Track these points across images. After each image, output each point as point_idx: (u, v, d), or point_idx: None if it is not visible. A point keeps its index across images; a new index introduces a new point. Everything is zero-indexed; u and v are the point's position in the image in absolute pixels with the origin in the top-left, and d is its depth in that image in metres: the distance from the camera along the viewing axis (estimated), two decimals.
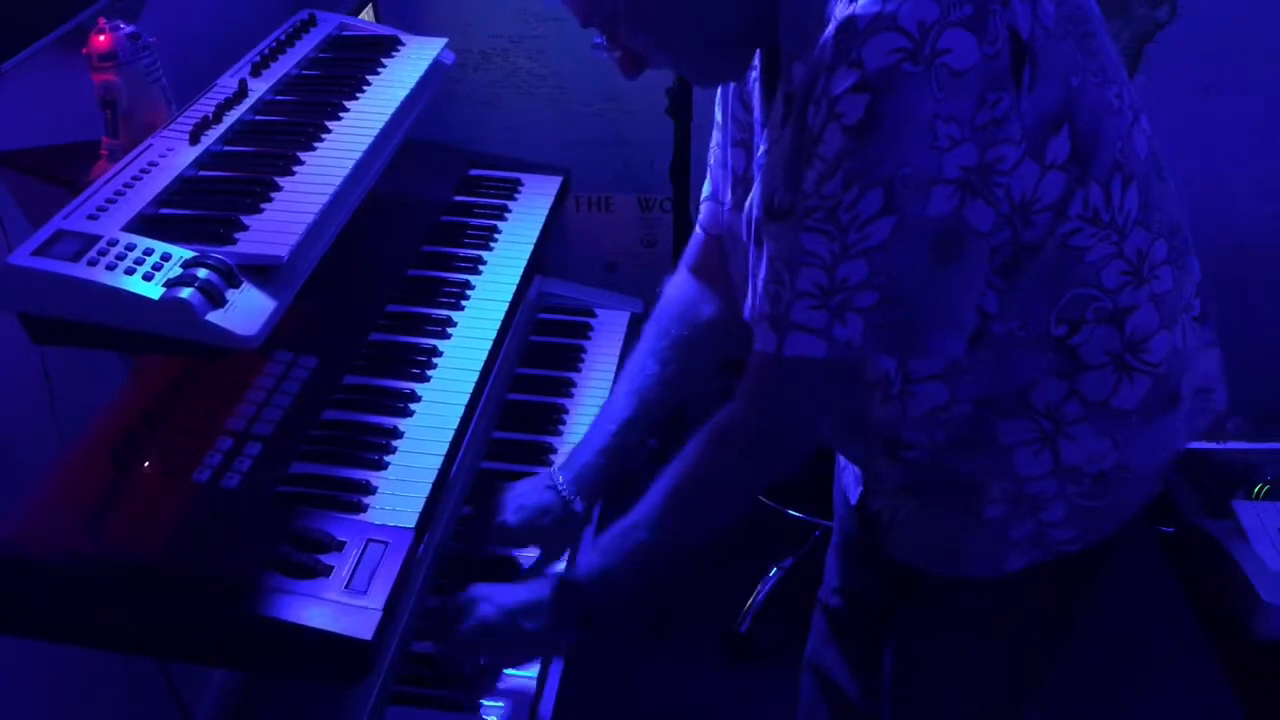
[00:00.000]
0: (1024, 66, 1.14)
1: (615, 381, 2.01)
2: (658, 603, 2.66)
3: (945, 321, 1.19)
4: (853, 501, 1.60)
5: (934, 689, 1.57)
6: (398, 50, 1.96)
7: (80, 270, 1.30)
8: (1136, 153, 1.27)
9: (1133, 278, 1.28)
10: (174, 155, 1.55)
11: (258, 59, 1.82)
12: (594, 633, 1.42)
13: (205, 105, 1.67)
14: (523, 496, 1.65)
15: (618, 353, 2.11)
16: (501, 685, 1.52)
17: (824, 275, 1.18)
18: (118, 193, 1.45)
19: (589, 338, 2.14)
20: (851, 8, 1.11)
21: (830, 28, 1.13)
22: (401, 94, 1.81)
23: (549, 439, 1.90)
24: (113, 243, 1.34)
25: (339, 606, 1.31)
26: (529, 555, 1.66)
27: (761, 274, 1.26)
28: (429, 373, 1.69)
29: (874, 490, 1.52)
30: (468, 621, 1.45)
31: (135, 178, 1.48)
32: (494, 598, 1.47)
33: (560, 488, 1.62)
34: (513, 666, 1.52)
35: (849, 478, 1.62)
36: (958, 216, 1.15)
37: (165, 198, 1.48)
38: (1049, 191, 1.20)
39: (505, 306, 1.84)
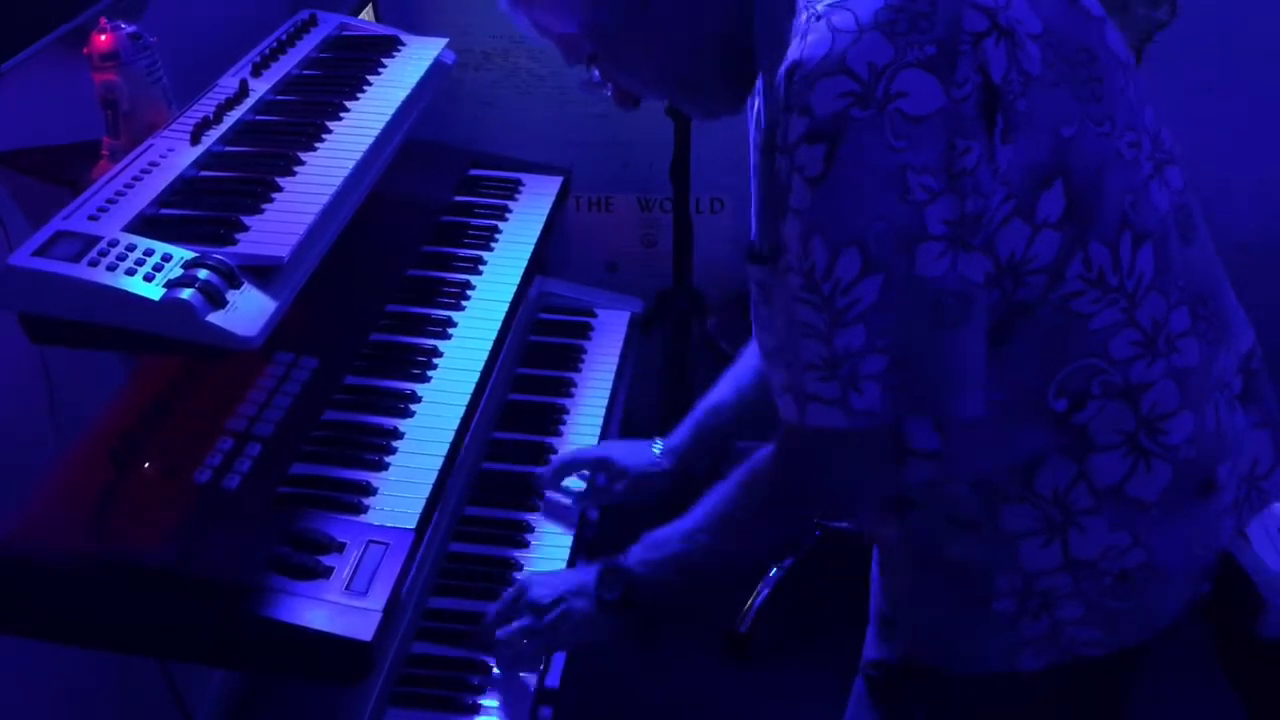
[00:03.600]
0: (996, 114, 1.05)
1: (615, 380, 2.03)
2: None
3: (963, 382, 1.10)
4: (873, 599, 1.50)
5: None
6: (398, 50, 1.96)
7: (81, 271, 1.30)
8: (1154, 208, 1.16)
9: (1146, 350, 1.15)
10: (175, 155, 1.55)
11: (258, 59, 1.82)
12: (641, 628, 1.42)
13: (206, 105, 1.67)
14: (619, 441, 1.83)
15: (618, 352, 2.11)
16: (501, 685, 1.52)
17: (823, 346, 1.10)
18: (118, 193, 1.45)
19: (589, 338, 2.14)
20: (801, 48, 1.05)
21: (782, 67, 1.07)
22: (402, 94, 1.81)
23: (549, 439, 1.90)
24: (113, 243, 1.34)
25: (339, 607, 1.31)
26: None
27: (764, 333, 1.22)
28: (429, 373, 1.69)
29: (886, 567, 1.41)
30: (521, 599, 1.48)
31: (136, 178, 1.48)
32: (545, 579, 1.51)
33: (655, 443, 1.71)
34: (560, 647, 1.52)
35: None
36: (956, 275, 1.06)
37: (166, 198, 1.48)
38: (1043, 252, 1.10)
39: (505, 307, 1.84)
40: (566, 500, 1.76)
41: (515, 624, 1.49)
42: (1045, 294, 1.11)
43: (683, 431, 1.71)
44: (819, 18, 1.06)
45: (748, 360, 1.66)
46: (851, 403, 1.10)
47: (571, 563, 1.70)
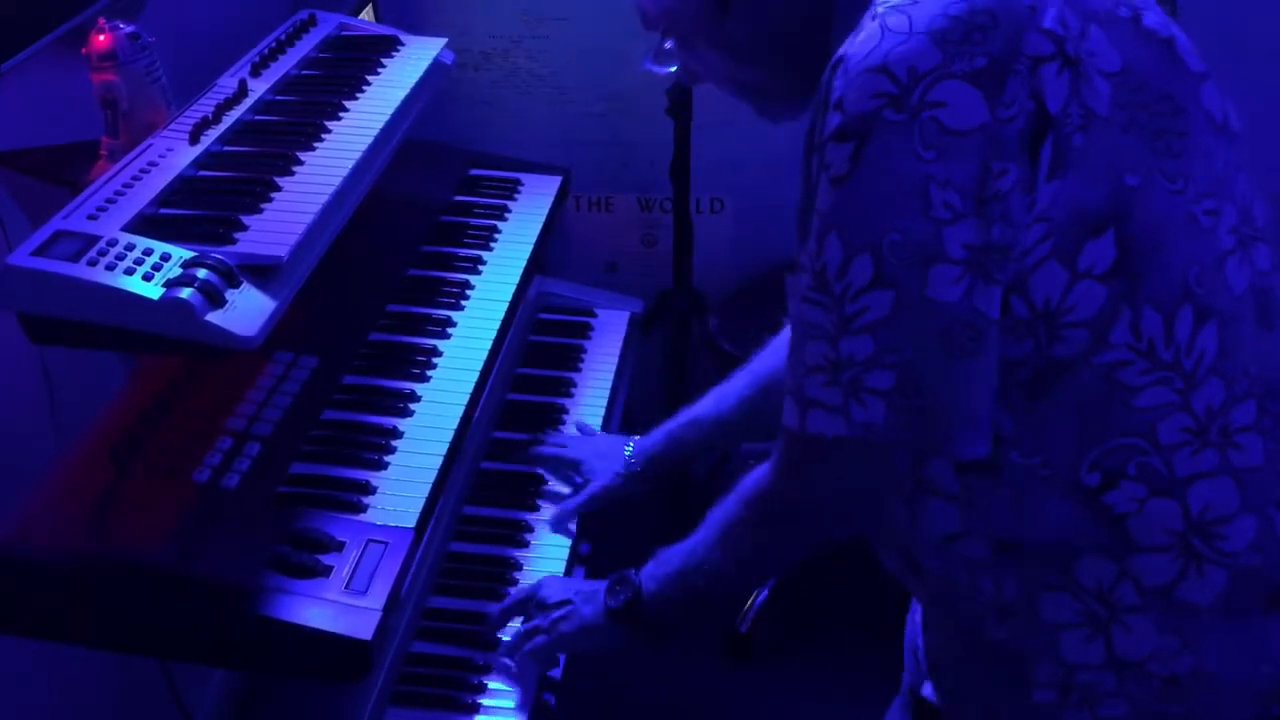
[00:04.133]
0: (1044, 143, 1.00)
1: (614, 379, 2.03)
2: None
3: (964, 419, 1.05)
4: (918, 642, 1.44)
5: None
6: (398, 50, 1.96)
7: (80, 270, 1.30)
8: (1227, 287, 1.08)
9: (1195, 438, 1.07)
10: (174, 155, 1.55)
11: (257, 59, 1.82)
12: (647, 640, 1.40)
13: (205, 105, 1.67)
14: (594, 437, 1.86)
15: (617, 352, 2.11)
16: (502, 685, 1.52)
17: (829, 349, 1.05)
18: (117, 193, 1.45)
19: (589, 338, 2.14)
20: (850, 44, 1.03)
21: (829, 65, 1.04)
22: (401, 94, 1.81)
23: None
24: (112, 243, 1.34)
25: (339, 606, 1.31)
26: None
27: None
28: (429, 373, 1.69)
29: (928, 625, 1.35)
30: (532, 598, 1.50)
31: (135, 178, 1.48)
32: (558, 581, 1.53)
33: (628, 445, 1.75)
34: (563, 649, 1.50)
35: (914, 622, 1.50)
36: (969, 305, 1.01)
37: (165, 198, 1.48)
38: (1084, 304, 1.03)
39: (505, 306, 1.84)
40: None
41: (524, 623, 1.50)
42: (1087, 355, 1.05)
43: (657, 436, 1.74)
44: (875, 17, 1.03)
45: (735, 381, 1.66)
46: (853, 413, 1.05)
47: (570, 564, 1.70)
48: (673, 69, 1.29)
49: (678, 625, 1.39)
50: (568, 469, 1.80)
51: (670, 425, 1.73)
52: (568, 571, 1.68)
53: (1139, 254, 1.04)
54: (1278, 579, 1.12)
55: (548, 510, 1.77)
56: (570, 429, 1.92)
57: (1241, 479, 1.09)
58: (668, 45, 1.27)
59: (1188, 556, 1.09)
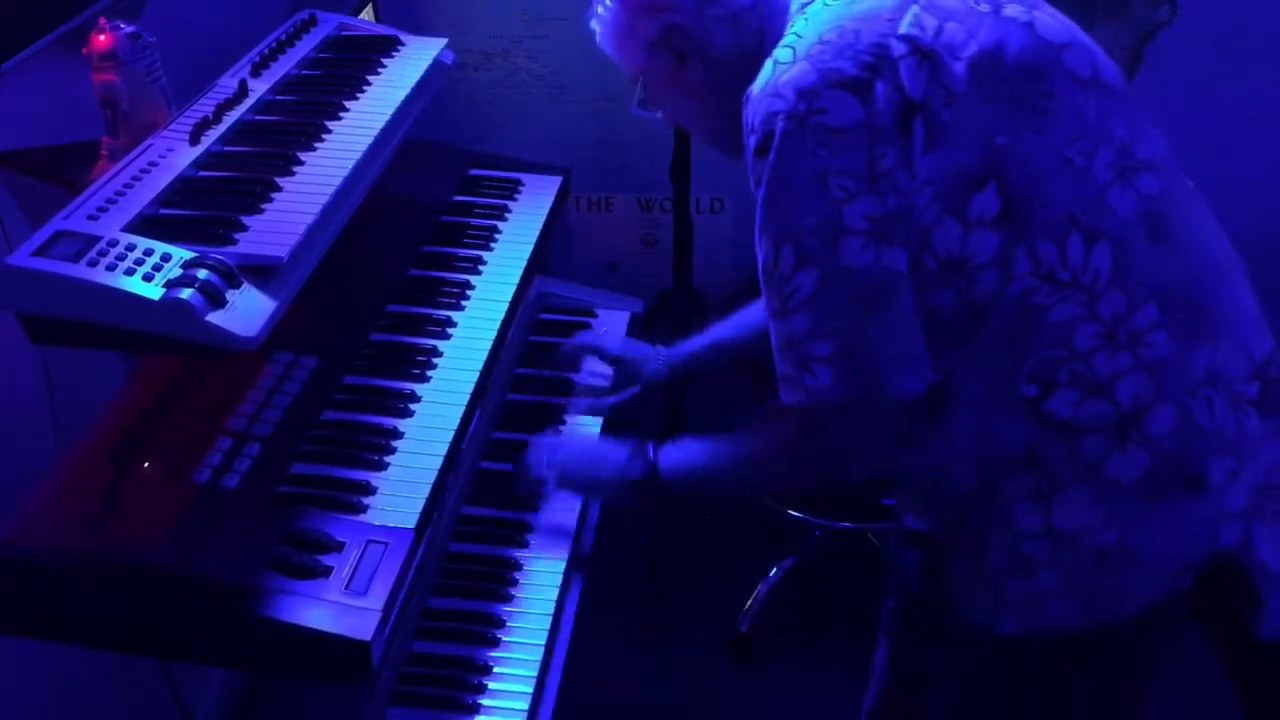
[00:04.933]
0: (913, 123, 1.20)
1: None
2: (654, 597, 2.67)
3: (897, 363, 1.24)
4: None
5: None
6: (398, 50, 1.96)
7: (80, 270, 1.30)
8: (1113, 211, 1.25)
9: (1107, 342, 1.24)
10: (174, 155, 1.55)
11: (258, 59, 1.82)
12: (653, 510, 1.59)
13: (205, 105, 1.67)
14: (633, 342, 2.01)
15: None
16: (502, 686, 1.52)
17: (782, 328, 1.26)
18: (118, 193, 1.45)
19: None
20: (755, 82, 1.26)
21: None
22: (401, 94, 1.81)
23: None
24: (113, 243, 1.34)
25: (338, 607, 1.31)
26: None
27: None
28: (429, 373, 1.69)
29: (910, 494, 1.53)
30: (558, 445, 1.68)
31: (135, 178, 1.48)
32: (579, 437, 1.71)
33: (658, 345, 1.93)
34: (570, 486, 1.67)
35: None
36: (880, 266, 1.21)
37: (165, 198, 1.48)
38: (982, 250, 1.22)
39: (505, 307, 1.84)
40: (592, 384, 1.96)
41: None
42: (1001, 291, 1.23)
43: (682, 353, 1.91)
44: (771, 57, 1.26)
45: (754, 311, 1.78)
46: (807, 382, 1.25)
47: (571, 563, 1.70)
48: (659, 115, 1.50)
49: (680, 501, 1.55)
50: (611, 363, 1.94)
51: (695, 345, 1.90)
52: (566, 577, 1.68)
53: (1020, 198, 1.22)
54: (1195, 465, 1.27)
55: (548, 511, 1.77)
56: (569, 428, 1.92)
57: (1154, 371, 1.25)
58: (651, 93, 1.48)
59: (1118, 437, 1.25)
